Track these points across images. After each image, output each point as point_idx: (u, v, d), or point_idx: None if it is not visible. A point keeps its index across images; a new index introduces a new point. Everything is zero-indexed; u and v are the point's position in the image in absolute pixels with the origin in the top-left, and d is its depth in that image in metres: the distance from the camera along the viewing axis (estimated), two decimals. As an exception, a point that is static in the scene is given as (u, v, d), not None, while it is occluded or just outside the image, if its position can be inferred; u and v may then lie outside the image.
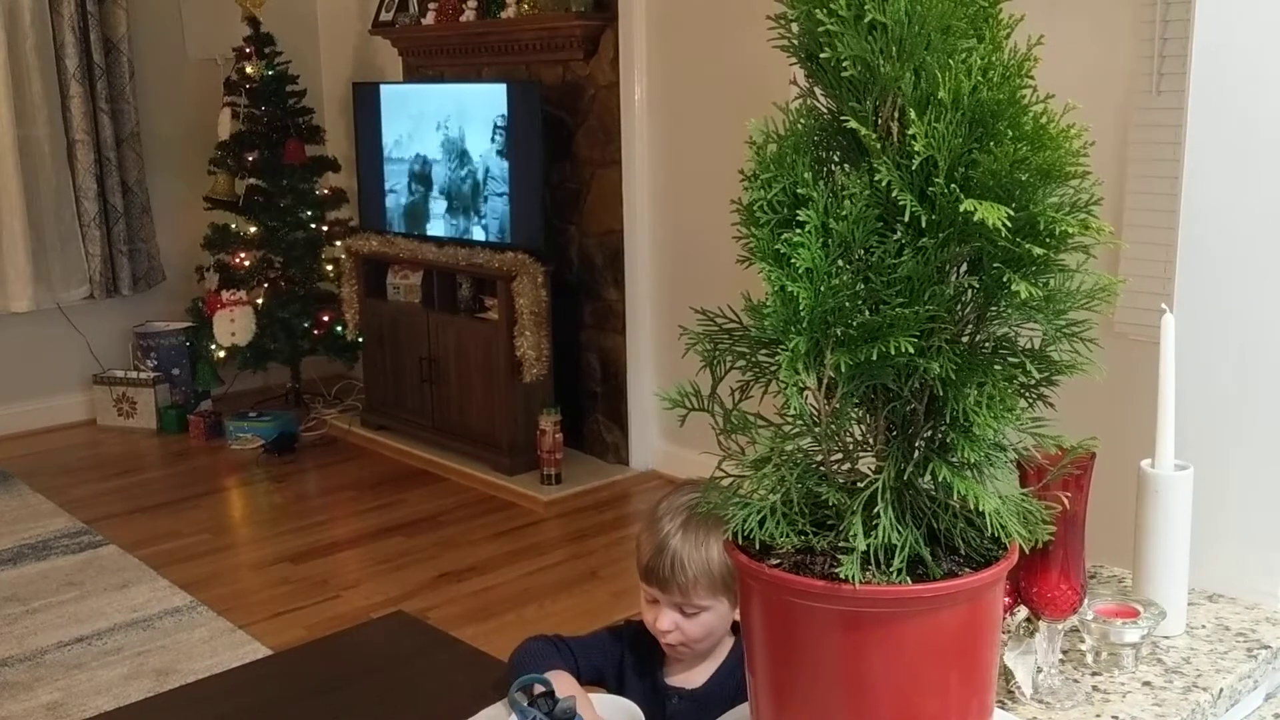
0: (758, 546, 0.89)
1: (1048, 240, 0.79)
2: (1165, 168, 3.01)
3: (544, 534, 4.16)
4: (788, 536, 0.85)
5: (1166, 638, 1.19)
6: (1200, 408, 1.24)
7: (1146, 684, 1.12)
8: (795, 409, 0.82)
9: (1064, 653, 1.14)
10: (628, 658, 1.75)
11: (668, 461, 4.59)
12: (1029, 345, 0.87)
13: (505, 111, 4.46)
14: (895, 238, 0.80)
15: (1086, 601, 1.14)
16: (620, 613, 3.23)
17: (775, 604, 0.88)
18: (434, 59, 5.17)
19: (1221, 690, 1.11)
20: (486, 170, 4.63)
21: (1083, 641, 1.15)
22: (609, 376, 4.72)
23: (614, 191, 4.53)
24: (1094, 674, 1.13)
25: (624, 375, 4.63)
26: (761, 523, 0.85)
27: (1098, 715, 1.07)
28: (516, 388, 4.51)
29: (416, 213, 4.96)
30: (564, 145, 4.67)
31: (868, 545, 0.83)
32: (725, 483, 0.90)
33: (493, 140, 4.58)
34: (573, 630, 2.51)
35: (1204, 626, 1.22)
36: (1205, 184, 1.24)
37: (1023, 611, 1.09)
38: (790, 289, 0.78)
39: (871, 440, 0.89)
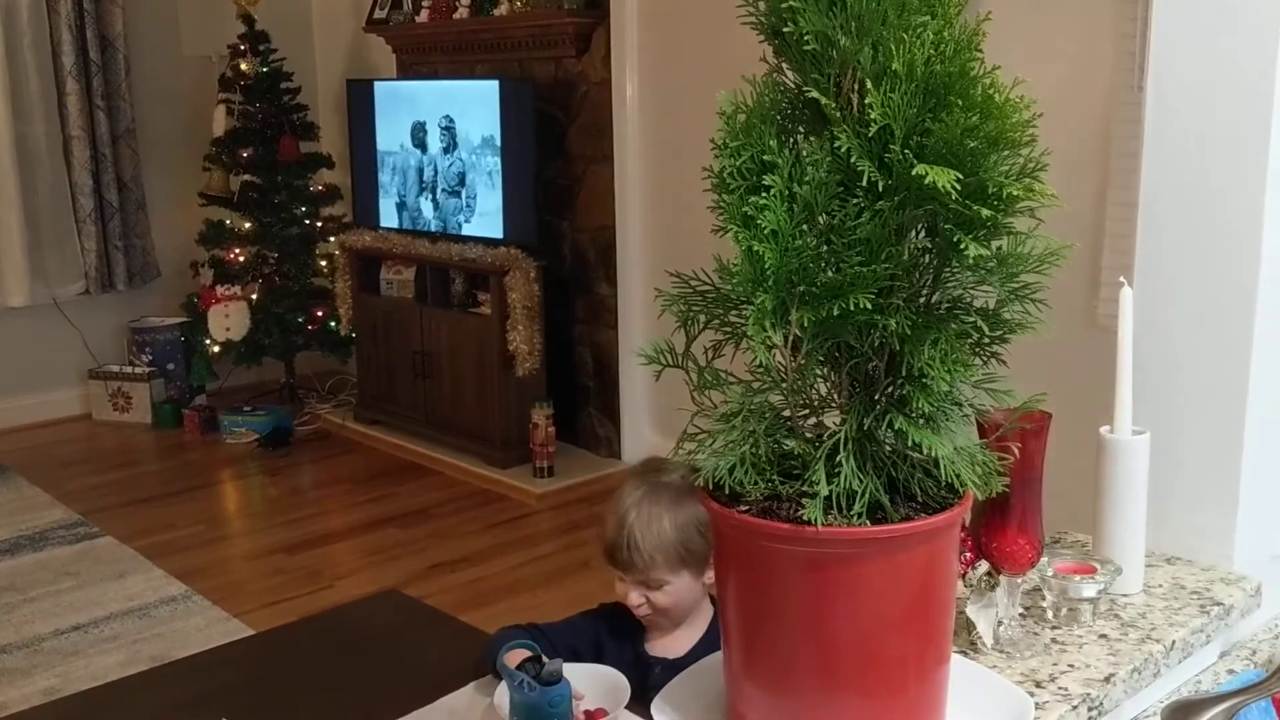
0: (728, 495, 0.94)
1: (996, 203, 0.84)
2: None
3: (536, 526, 4.22)
4: (756, 484, 0.91)
5: (1125, 595, 1.25)
6: (1158, 378, 1.30)
7: (1103, 636, 1.17)
8: (763, 363, 0.88)
9: (1025, 609, 1.20)
10: (605, 635, 1.81)
11: (659, 454, 4.64)
12: (984, 307, 0.93)
13: (498, 108, 4.52)
14: (855, 202, 0.86)
15: (1046, 559, 1.19)
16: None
17: (744, 548, 0.94)
18: (427, 56, 5.22)
19: (1174, 642, 1.17)
20: (479, 166, 4.69)
21: (1044, 599, 1.20)
22: (601, 371, 4.77)
23: (606, 187, 4.58)
24: (1054, 628, 1.19)
25: (616, 369, 4.68)
26: (731, 470, 0.91)
27: (1055, 664, 1.12)
28: (509, 382, 4.56)
29: (410, 209, 5.01)
30: (556, 142, 4.72)
31: (830, 491, 0.89)
32: (699, 436, 0.95)
33: (485, 137, 4.63)
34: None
35: (1160, 586, 1.28)
36: (1162, 164, 1.29)
37: (984, 566, 1.14)
38: (757, 249, 0.83)
39: (835, 396, 0.94)
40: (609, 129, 4.51)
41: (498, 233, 4.61)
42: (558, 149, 4.73)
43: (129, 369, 5.34)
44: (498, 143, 4.55)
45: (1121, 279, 1.23)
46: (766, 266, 0.84)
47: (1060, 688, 1.08)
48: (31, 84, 5.13)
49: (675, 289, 0.95)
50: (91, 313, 5.41)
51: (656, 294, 0.94)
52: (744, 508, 0.92)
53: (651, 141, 4.44)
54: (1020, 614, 1.17)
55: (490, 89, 4.56)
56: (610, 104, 4.48)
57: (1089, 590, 1.17)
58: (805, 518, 0.88)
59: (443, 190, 4.86)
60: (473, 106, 4.66)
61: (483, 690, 1.74)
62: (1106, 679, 1.09)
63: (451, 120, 4.76)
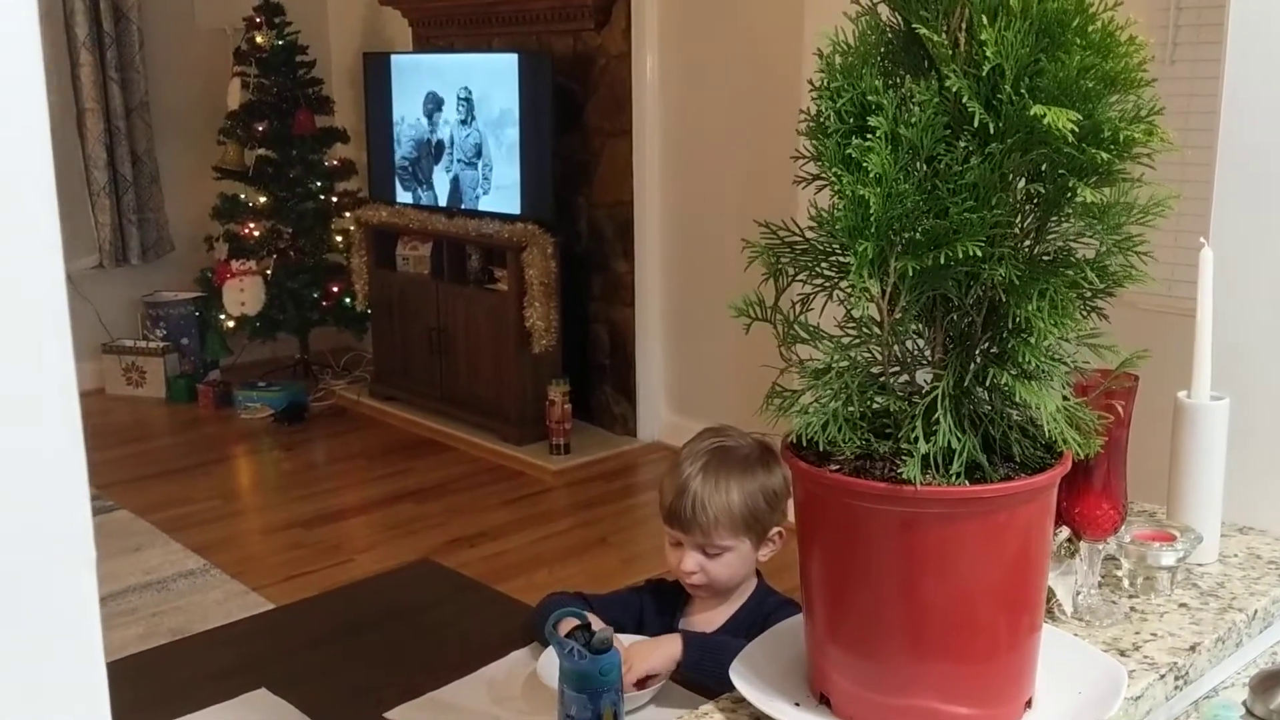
0: (816, 454, 0.91)
1: (1112, 147, 0.81)
2: (1177, 137, 3.02)
3: (553, 502, 4.19)
4: (850, 441, 0.87)
5: (1200, 565, 1.22)
6: (1231, 344, 1.27)
7: (1183, 605, 1.14)
8: (861, 314, 0.84)
9: (1100, 577, 1.17)
10: (648, 609, 1.78)
11: (674, 433, 4.61)
12: (1088, 259, 0.89)
13: (516, 82, 4.47)
14: (962, 145, 0.82)
15: (1124, 527, 1.16)
16: (630, 578, 3.26)
17: (833, 509, 0.91)
18: (444, 29, 5.16)
19: (1256, 612, 1.14)
20: (496, 141, 4.64)
21: (1119, 568, 1.17)
22: (617, 349, 4.74)
23: (624, 162, 4.54)
24: (1131, 597, 1.16)
25: (632, 347, 4.65)
26: (824, 427, 0.87)
27: (1137, 632, 1.09)
28: (525, 359, 4.53)
29: (426, 184, 4.97)
30: (574, 116, 4.67)
31: (928, 449, 0.86)
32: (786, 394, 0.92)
33: (503, 111, 4.58)
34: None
35: (1236, 555, 1.25)
36: (1242, 122, 1.26)
37: (1064, 533, 1.11)
38: (862, 193, 0.80)
39: (930, 353, 0.91)
40: (628, 103, 4.46)
41: (514, 208, 4.57)
42: (575, 123, 4.68)
43: (143, 343, 5.31)
44: (515, 117, 4.50)
45: (1202, 239, 1.20)
46: (870, 212, 0.80)
47: (1145, 656, 1.05)
48: (44, 55, 5.07)
49: (764, 240, 0.91)
50: (105, 287, 5.36)
51: (744, 244, 0.91)
52: (834, 467, 0.89)
53: (671, 116, 4.39)
54: (1097, 581, 1.14)
55: (508, 62, 4.51)
56: (630, 78, 4.43)
57: (1169, 558, 1.14)
58: (903, 476, 0.85)
59: (459, 164, 4.82)
60: (490, 80, 4.61)
61: (523, 660, 1.72)
62: (1192, 648, 1.06)
63: (469, 94, 4.71)
